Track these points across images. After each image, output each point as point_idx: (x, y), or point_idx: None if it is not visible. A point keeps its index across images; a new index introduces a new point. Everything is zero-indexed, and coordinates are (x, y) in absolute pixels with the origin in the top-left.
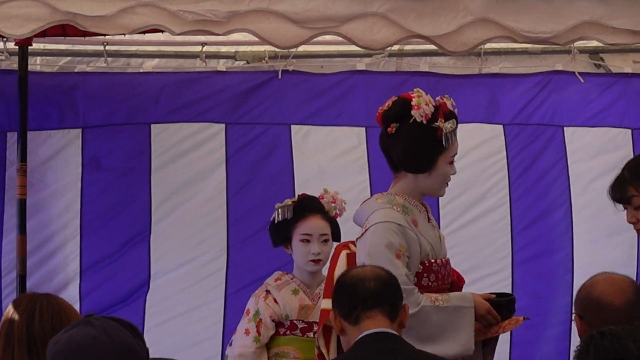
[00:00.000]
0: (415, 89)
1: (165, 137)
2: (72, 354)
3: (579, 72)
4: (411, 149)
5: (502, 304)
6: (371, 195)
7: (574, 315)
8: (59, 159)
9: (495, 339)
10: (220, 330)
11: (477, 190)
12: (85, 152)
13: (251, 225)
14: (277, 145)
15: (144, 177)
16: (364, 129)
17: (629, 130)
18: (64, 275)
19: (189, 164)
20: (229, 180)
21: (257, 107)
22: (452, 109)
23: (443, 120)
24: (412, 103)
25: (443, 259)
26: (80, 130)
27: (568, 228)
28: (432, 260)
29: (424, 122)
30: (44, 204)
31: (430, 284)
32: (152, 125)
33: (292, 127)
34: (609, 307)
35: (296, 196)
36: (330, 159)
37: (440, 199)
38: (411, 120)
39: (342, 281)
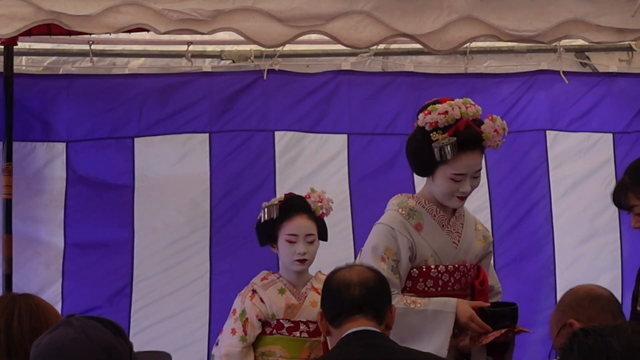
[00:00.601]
0: (466, 99)
1: (149, 150)
2: (52, 356)
3: (564, 72)
4: (410, 150)
5: (495, 314)
6: (350, 204)
7: (566, 327)
8: (45, 172)
9: (507, 346)
10: (205, 334)
11: None
12: (70, 167)
13: (234, 233)
14: (261, 152)
15: (128, 191)
16: (345, 136)
17: (610, 135)
18: (45, 277)
19: (173, 175)
20: (212, 189)
21: (240, 113)
22: (474, 130)
23: (442, 134)
24: (429, 107)
25: (455, 265)
26: (64, 144)
27: (549, 232)
28: (432, 266)
29: (427, 128)
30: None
31: (426, 289)
32: (136, 139)
33: (276, 133)
34: (601, 297)
35: (283, 195)
36: (313, 168)
37: None
38: (418, 122)
39: (329, 284)
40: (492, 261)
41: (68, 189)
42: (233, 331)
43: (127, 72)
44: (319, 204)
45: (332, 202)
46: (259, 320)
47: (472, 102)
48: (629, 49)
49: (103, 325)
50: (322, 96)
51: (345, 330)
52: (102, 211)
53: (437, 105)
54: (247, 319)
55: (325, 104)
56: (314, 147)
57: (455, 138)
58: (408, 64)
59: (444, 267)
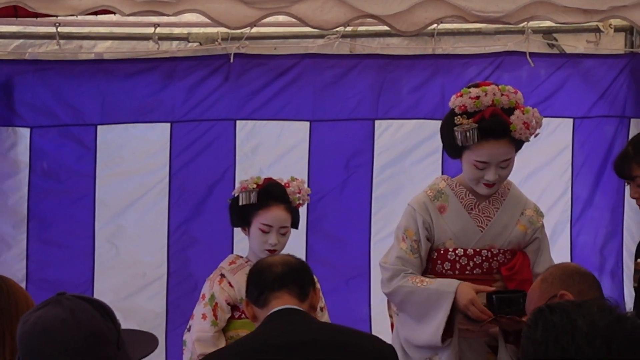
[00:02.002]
0: (505, 87)
1: (112, 138)
2: (38, 335)
3: (531, 53)
4: (441, 130)
5: (502, 300)
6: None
7: (558, 295)
8: (9, 156)
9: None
10: (163, 332)
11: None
12: (33, 153)
13: (192, 230)
14: (222, 143)
15: (89, 179)
16: (308, 123)
17: (571, 120)
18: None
19: (134, 166)
20: (171, 182)
21: (203, 102)
22: (501, 119)
23: (467, 119)
24: (463, 90)
25: (477, 249)
26: (29, 129)
27: None
28: (450, 249)
29: (456, 111)
30: None
31: (444, 271)
32: (99, 127)
33: (237, 122)
34: (589, 275)
35: (262, 178)
36: (274, 157)
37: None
38: (450, 103)
39: (253, 270)
40: (545, 247)
41: (31, 174)
42: (204, 316)
43: (93, 56)
44: (297, 195)
45: (309, 194)
46: (228, 304)
47: (513, 91)
48: (597, 30)
49: (92, 307)
50: (287, 82)
51: (271, 309)
52: (64, 198)
53: (472, 89)
54: (216, 303)
55: (290, 90)
56: (275, 135)
57: (476, 125)
58: (376, 46)
59: (462, 250)
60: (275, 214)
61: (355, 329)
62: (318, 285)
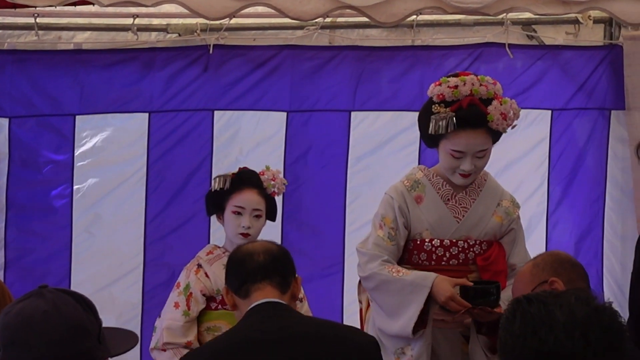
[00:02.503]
0: (484, 77)
1: (90, 128)
2: (21, 327)
3: (510, 45)
4: (418, 119)
5: (477, 291)
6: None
7: (548, 281)
8: None
9: (484, 325)
10: (138, 323)
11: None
12: (12, 143)
13: (169, 219)
14: (199, 133)
15: (67, 170)
16: (285, 114)
17: (549, 112)
18: None
19: (112, 156)
20: (149, 172)
21: (181, 92)
22: (478, 109)
23: (444, 107)
24: (442, 79)
25: (453, 240)
26: (7, 119)
27: None
28: (427, 240)
29: (434, 100)
30: None
31: (420, 262)
32: (77, 117)
33: (215, 113)
34: (579, 265)
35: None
36: (250, 147)
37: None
38: (428, 92)
39: (234, 257)
40: (520, 238)
41: (10, 163)
42: (176, 305)
43: (72, 47)
44: (272, 182)
45: (286, 184)
46: (204, 295)
47: (492, 81)
48: (576, 22)
49: (75, 300)
50: (266, 72)
51: (252, 301)
52: (42, 188)
53: (451, 79)
54: (191, 293)
55: (268, 81)
56: (253, 125)
57: (454, 113)
58: (355, 37)
59: (438, 241)
60: (248, 196)
61: (336, 322)
62: (298, 275)
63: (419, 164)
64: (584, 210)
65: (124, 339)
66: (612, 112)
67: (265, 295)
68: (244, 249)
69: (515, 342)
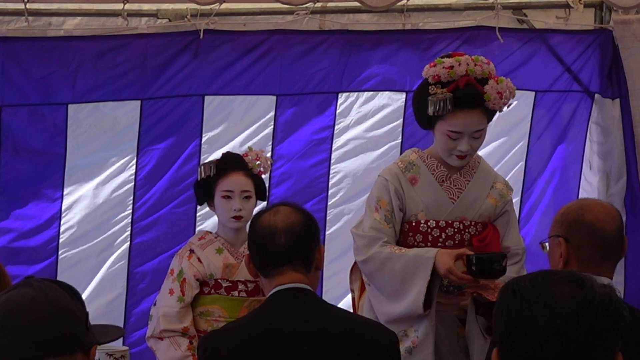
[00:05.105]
0: (478, 57)
1: (82, 117)
2: (10, 313)
3: (500, 29)
4: (413, 101)
5: (481, 260)
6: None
7: (556, 239)
8: None
9: (481, 306)
10: (122, 310)
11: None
12: (4, 132)
13: (156, 207)
14: (189, 119)
15: (60, 158)
16: (274, 97)
17: (532, 93)
18: None
19: (104, 144)
20: (138, 159)
21: (173, 79)
22: (475, 89)
23: (441, 88)
24: (436, 60)
25: (448, 221)
26: None
27: None
28: (422, 221)
29: (430, 81)
30: None
31: (416, 243)
32: (70, 106)
33: (206, 98)
34: (602, 232)
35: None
36: (240, 131)
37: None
38: (423, 73)
39: (254, 231)
40: (513, 221)
41: (2, 152)
42: (171, 291)
43: (62, 33)
44: (256, 162)
45: (271, 162)
46: (197, 280)
47: (486, 61)
48: (567, 6)
49: (61, 288)
50: (256, 57)
51: (274, 284)
52: (34, 177)
53: (445, 59)
54: (184, 279)
55: (258, 66)
56: (242, 110)
57: (451, 94)
58: (345, 22)
59: (434, 222)
60: (235, 179)
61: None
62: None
63: (401, 144)
64: (560, 190)
65: (110, 332)
66: (596, 95)
67: (289, 279)
68: (266, 224)
69: (502, 340)
